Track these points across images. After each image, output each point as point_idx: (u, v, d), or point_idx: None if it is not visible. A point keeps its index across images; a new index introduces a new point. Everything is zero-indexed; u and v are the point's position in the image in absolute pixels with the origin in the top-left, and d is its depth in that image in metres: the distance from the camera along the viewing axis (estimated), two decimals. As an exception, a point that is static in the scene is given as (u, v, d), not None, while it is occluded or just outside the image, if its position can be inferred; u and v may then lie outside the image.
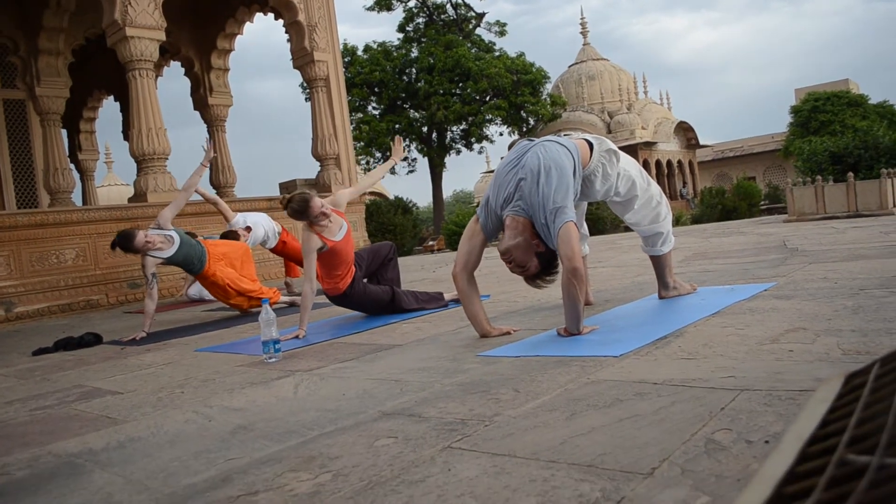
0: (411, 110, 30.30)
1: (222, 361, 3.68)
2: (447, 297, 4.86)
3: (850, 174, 12.47)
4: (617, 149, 3.61)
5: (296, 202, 4.26)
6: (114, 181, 36.80)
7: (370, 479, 1.56)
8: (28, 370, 4.19)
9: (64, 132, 13.60)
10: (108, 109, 16.87)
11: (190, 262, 5.56)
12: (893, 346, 2.19)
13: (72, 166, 13.65)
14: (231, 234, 6.71)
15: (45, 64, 11.31)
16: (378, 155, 30.55)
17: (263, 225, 7.14)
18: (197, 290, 7.33)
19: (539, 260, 3.20)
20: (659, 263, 3.90)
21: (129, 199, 9.30)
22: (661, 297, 3.93)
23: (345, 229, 4.52)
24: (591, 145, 3.48)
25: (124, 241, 5.26)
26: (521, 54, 30.27)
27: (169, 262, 5.45)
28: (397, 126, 29.42)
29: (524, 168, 3.19)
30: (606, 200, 3.71)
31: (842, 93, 31.47)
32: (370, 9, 31.29)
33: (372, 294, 4.63)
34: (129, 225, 8.47)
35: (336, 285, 4.54)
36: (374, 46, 30.15)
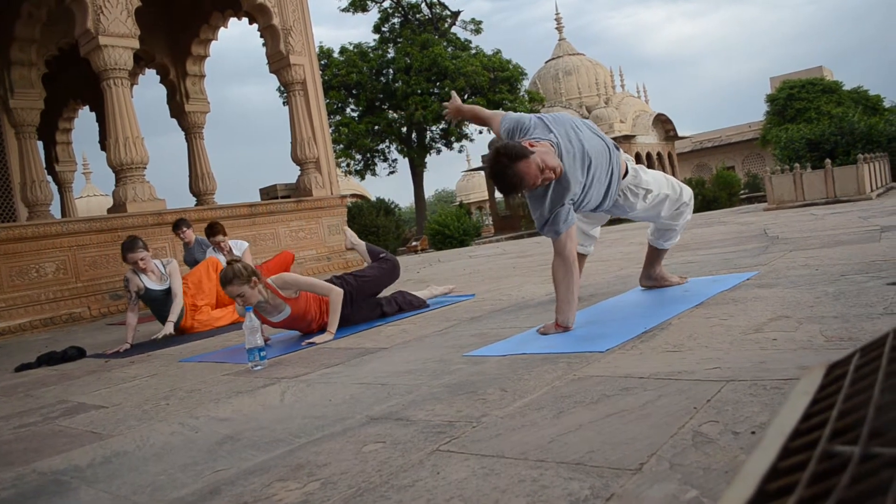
0: (389, 111, 30.29)
1: (208, 371, 3.65)
2: (439, 289, 4.84)
3: (828, 161, 12.60)
4: (641, 173, 3.62)
5: (229, 269, 3.87)
6: (93, 192, 36.50)
7: (359, 486, 1.55)
8: (11, 387, 4.14)
9: (40, 144, 13.47)
10: (84, 119, 16.75)
11: (165, 311, 5.47)
12: (875, 332, 2.22)
13: (49, 178, 13.52)
14: (215, 226, 6.75)
15: (19, 75, 11.20)
16: (358, 157, 30.52)
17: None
18: None
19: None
20: (654, 254, 3.94)
21: (109, 210, 9.22)
22: (642, 286, 3.95)
23: (284, 314, 4.15)
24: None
25: (125, 246, 5.30)
26: (498, 52, 30.35)
27: (147, 296, 5.42)
28: (376, 127, 29.40)
29: (583, 143, 3.22)
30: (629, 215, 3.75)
31: (816, 80, 31.73)
32: (345, 10, 31.27)
33: (360, 318, 4.51)
34: (109, 236, 8.42)
35: (312, 331, 4.39)
36: (351, 48, 30.09)
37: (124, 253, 5.31)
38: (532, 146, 2.98)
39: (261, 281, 3.97)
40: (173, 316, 5.33)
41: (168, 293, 5.44)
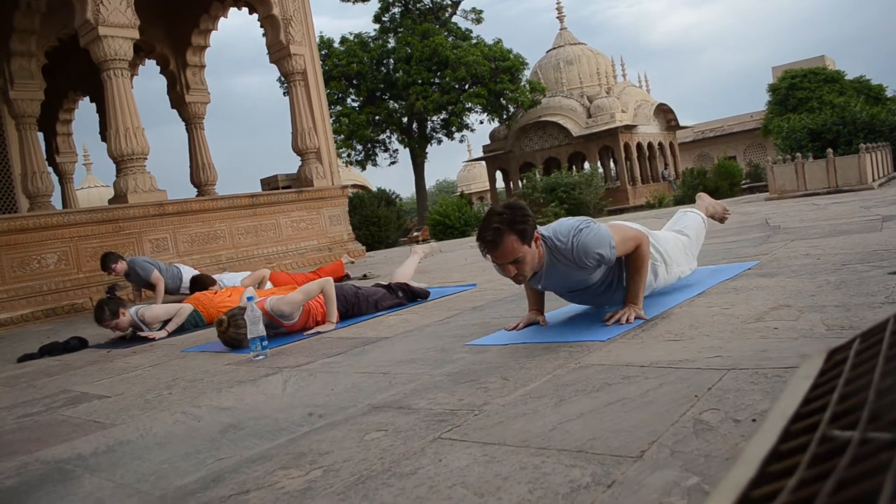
0: (390, 101, 30.22)
1: (210, 361, 3.66)
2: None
3: (830, 150, 12.57)
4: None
5: (234, 338, 3.85)
6: (93, 183, 36.49)
7: (361, 474, 1.56)
8: (14, 377, 4.15)
9: (40, 135, 13.44)
10: (85, 110, 16.71)
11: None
12: (876, 320, 2.22)
13: (50, 169, 13.49)
14: (202, 279, 6.46)
15: (18, 66, 11.16)
16: (359, 147, 30.47)
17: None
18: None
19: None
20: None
21: (110, 201, 9.21)
22: None
23: (281, 330, 4.12)
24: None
25: (96, 309, 5.12)
26: (499, 41, 30.23)
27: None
28: (377, 117, 29.35)
29: None
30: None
31: (818, 69, 31.62)
32: (345, 0, 31.13)
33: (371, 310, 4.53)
34: (110, 227, 8.42)
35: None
36: (351, 38, 29.99)
37: (95, 314, 5.12)
38: (538, 240, 2.73)
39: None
40: (172, 326, 5.13)
41: (164, 323, 5.23)
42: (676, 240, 3.48)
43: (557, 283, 3.00)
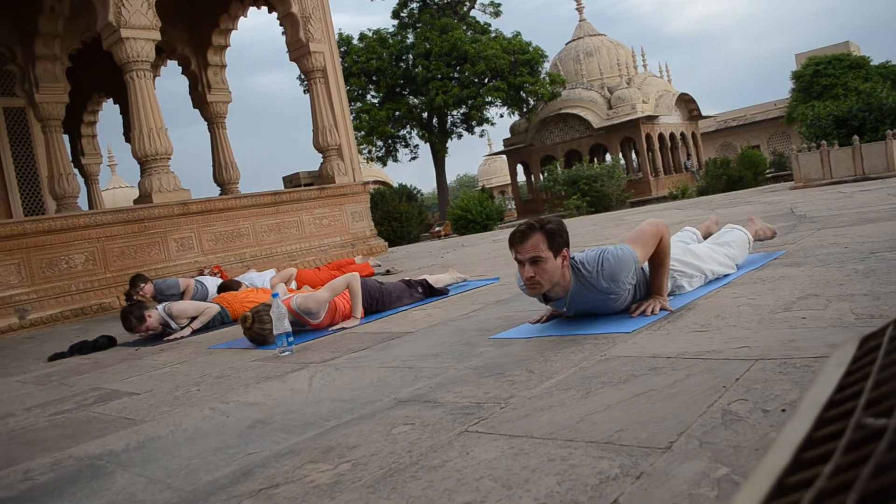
0: (410, 97, 30.22)
1: (236, 357, 3.70)
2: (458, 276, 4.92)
3: (856, 137, 12.38)
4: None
5: (259, 336, 3.89)
6: (118, 184, 36.91)
7: (389, 467, 1.57)
8: (45, 376, 4.22)
9: (66, 137, 13.61)
10: (109, 112, 16.89)
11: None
12: (906, 308, 2.18)
13: (76, 171, 13.66)
14: (228, 283, 6.43)
15: (43, 70, 11.30)
16: (379, 143, 30.52)
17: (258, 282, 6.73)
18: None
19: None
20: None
21: (135, 201, 9.32)
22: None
23: (307, 328, 4.17)
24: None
25: (123, 319, 5.15)
26: (518, 34, 30.10)
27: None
28: (397, 113, 29.37)
29: None
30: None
31: (843, 55, 31.14)
32: (364, -3, 31.18)
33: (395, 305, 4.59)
34: (136, 227, 8.51)
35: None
36: (370, 34, 30.03)
37: (123, 323, 5.14)
38: (565, 259, 2.81)
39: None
40: (197, 324, 5.17)
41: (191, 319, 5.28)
42: (715, 252, 3.51)
43: (585, 310, 3.02)
